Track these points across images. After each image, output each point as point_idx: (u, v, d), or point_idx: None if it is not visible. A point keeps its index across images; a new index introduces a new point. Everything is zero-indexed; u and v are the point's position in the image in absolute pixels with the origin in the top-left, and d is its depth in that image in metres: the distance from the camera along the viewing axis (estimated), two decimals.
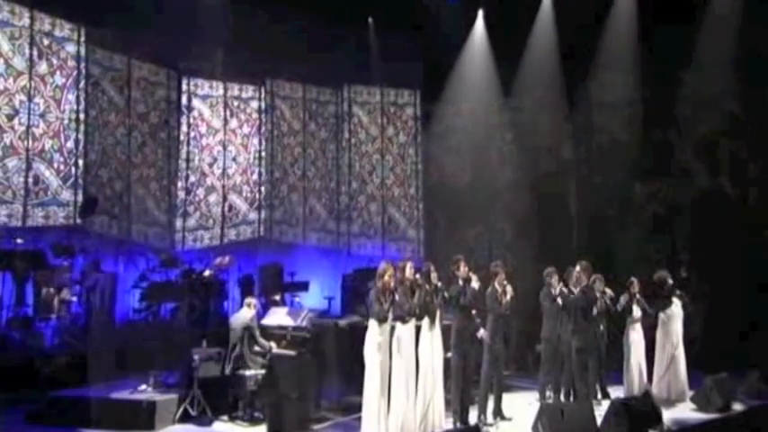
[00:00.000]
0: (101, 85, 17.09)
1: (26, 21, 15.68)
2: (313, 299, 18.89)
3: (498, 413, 11.93)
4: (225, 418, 11.66)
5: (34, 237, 15.33)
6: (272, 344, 11.82)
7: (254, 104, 19.96)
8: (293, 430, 10.82)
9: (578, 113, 18.27)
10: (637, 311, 13.26)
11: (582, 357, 12.39)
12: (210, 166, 19.15)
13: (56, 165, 16.09)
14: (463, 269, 11.34)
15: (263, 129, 20.02)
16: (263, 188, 19.93)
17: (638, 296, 13.33)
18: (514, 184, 18.34)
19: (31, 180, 15.64)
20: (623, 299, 13.09)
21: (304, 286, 18.83)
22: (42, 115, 15.89)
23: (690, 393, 13.24)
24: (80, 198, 16.29)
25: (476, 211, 18.60)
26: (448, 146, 20.01)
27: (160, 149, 18.28)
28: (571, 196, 17.55)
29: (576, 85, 18.34)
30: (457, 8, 19.75)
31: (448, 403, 11.36)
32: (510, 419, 11.92)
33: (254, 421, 11.50)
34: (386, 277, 10.40)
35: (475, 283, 11.22)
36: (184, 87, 18.80)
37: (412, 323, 10.75)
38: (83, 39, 16.60)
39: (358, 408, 10.69)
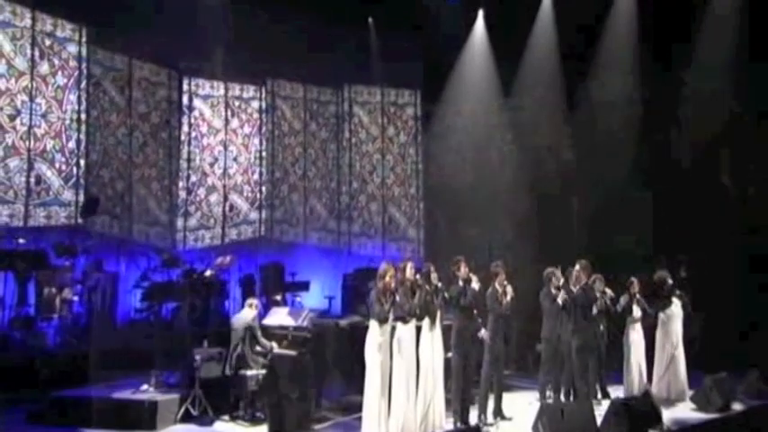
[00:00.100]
0: (102, 86, 17.16)
1: (28, 21, 15.74)
2: (314, 298, 18.94)
3: (498, 413, 11.95)
4: (226, 417, 11.67)
5: (36, 237, 15.35)
6: (274, 344, 11.84)
7: (255, 104, 20.01)
8: (294, 430, 10.84)
9: (578, 113, 18.27)
10: (637, 311, 13.27)
11: (582, 356, 12.40)
12: (211, 165, 19.20)
13: (57, 165, 16.15)
14: (463, 269, 11.37)
15: (263, 129, 20.07)
16: (263, 188, 19.98)
17: (638, 296, 13.34)
18: (514, 184, 18.34)
19: (32, 180, 15.70)
20: (623, 299, 13.10)
21: (305, 286, 18.86)
22: (44, 115, 15.94)
23: (690, 393, 13.26)
24: (82, 198, 16.35)
25: (476, 210, 18.60)
26: (448, 146, 20.02)
27: (161, 149, 18.34)
28: (571, 196, 17.55)
29: (576, 85, 18.35)
30: (457, 8, 19.77)
31: (448, 403, 11.39)
32: (510, 419, 11.95)
33: (255, 421, 11.51)
34: (386, 278, 10.43)
35: (475, 284, 11.24)
36: (185, 87, 18.88)
37: (412, 323, 10.77)
38: (84, 39, 16.68)
39: (358, 407, 10.72)
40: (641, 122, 17.71)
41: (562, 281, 12.59)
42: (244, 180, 19.71)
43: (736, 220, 16.42)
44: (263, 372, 11.47)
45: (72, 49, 16.51)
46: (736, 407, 12.93)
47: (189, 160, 18.83)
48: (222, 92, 19.45)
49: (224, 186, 19.35)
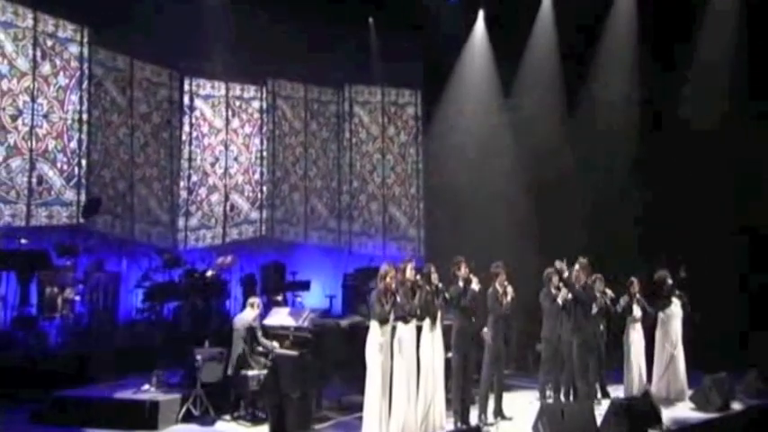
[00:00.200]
0: (104, 86, 17.22)
1: (30, 22, 15.81)
2: (314, 297, 18.99)
3: (499, 413, 11.98)
4: (227, 417, 11.70)
5: (38, 236, 15.38)
6: (275, 344, 11.87)
7: (256, 104, 20.08)
8: (295, 430, 10.88)
9: (578, 113, 18.26)
10: (637, 311, 13.28)
11: (583, 356, 12.40)
12: (212, 165, 19.27)
13: (59, 165, 16.22)
14: (464, 270, 11.40)
15: (264, 128, 20.14)
16: (264, 187, 20.06)
17: (638, 296, 13.37)
18: (515, 183, 18.33)
19: (34, 180, 15.79)
20: (623, 300, 13.12)
21: (305, 285, 18.89)
22: (46, 116, 16.01)
23: (689, 393, 13.28)
24: (83, 198, 16.43)
25: (476, 210, 18.59)
26: (448, 145, 20.03)
27: (162, 149, 18.41)
28: (571, 196, 17.54)
29: (576, 85, 18.34)
30: (457, 8, 19.82)
31: (449, 403, 11.42)
32: (510, 419, 11.98)
33: (256, 421, 11.54)
34: (387, 279, 10.45)
35: (475, 285, 11.28)
36: (186, 87, 18.96)
37: (413, 324, 10.80)
38: (86, 40, 16.76)
39: (359, 407, 10.74)
40: (641, 122, 17.71)
41: (566, 273, 12.56)
42: (245, 180, 19.77)
43: (736, 219, 16.41)
44: (265, 372, 11.49)
45: (73, 49, 16.58)
46: (736, 406, 12.96)
47: (190, 160, 18.90)
48: (223, 92, 19.51)
49: (225, 186, 19.42)
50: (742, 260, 16.11)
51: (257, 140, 20.06)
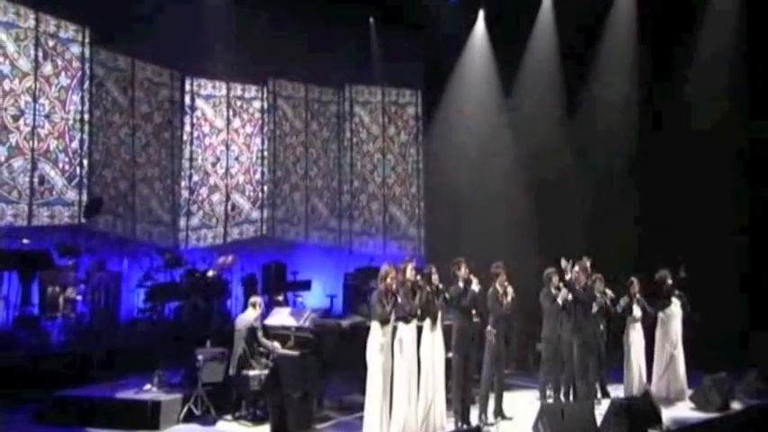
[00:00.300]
0: (105, 86, 17.26)
1: (31, 22, 15.85)
2: (315, 297, 19.05)
3: (499, 413, 12.00)
4: (229, 417, 11.71)
5: (39, 236, 15.41)
6: (276, 344, 11.89)
7: (257, 104, 20.11)
8: (296, 429, 10.93)
9: (578, 113, 18.28)
10: (637, 311, 13.29)
11: (583, 355, 12.43)
12: (213, 165, 19.32)
13: (61, 165, 16.26)
14: (464, 270, 11.42)
15: (265, 128, 20.19)
16: (265, 187, 20.10)
17: (638, 296, 13.38)
18: (515, 183, 18.36)
19: (36, 180, 15.83)
20: (623, 301, 13.14)
21: (306, 285, 18.94)
22: (47, 116, 16.05)
23: (689, 392, 13.28)
24: (85, 198, 16.47)
25: (476, 210, 18.61)
26: (449, 145, 20.06)
27: (164, 149, 18.45)
28: (571, 196, 17.56)
29: (576, 85, 18.36)
30: (457, 8, 19.84)
31: (449, 403, 11.45)
32: (511, 419, 12.00)
33: (257, 421, 11.56)
34: (388, 280, 10.48)
35: (475, 286, 11.30)
36: (188, 88, 18.99)
37: (414, 324, 10.83)
38: (87, 40, 16.78)
39: (360, 407, 10.78)
40: (641, 122, 17.73)
41: (569, 275, 12.57)
42: (245, 179, 19.82)
43: (735, 219, 16.43)
44: (266, 372, 11.52)
45: (75, 49, 16.62)
46: (735, 406, 12.98)
47: (191, 160, 18.95)
48: (224, 92, 19.55)
49: (226, 186, 19.46)
50: (742, 260, 16.12)
51: (258, 140, 20.10)
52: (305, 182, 20.84)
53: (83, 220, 16.33)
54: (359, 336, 11.29)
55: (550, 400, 12.49)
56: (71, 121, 16.44)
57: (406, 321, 10.70)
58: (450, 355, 11.42)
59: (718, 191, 16.21)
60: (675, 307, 13.67)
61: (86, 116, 16.70)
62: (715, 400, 12.64)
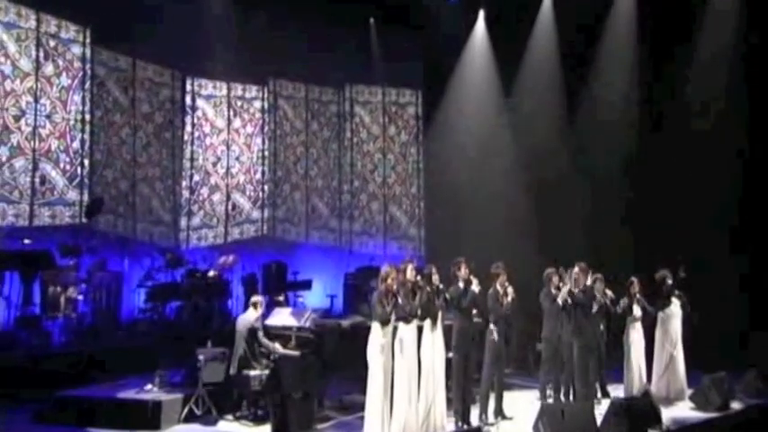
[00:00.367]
0: (106, 86, 17.30)
1: (32, 23, 15.89)
2: (316, 297, 19.08)
3: (500, 412, 12.02)
4: (230, 417, 11.73)
5: (41, 236, 15.45)
6: (277, 344, 11.90)
7: (258, 104, 20.15)
8: (297, 429, 10.95)
9: (578, 113, 18.31)
10: (637, 310, 13.30)
11: (584, 356, 12.45)
12: (214, 165, 19.36)
13: (62, 165, 16.30)
14: (464, 271, 11.43)
15: (266, 128, 20.23)
16: (266, 187, 20.14)
17: (638, 296, 13.40)
18: (514, 183, 18.37)
19: (37, 180, 15.88)
20: (623, 302, 13.15)
21: (307, 285, 18.96)
22: (49, 116, 16.09)
23: (689, 392, 13.30)
24: (86, 198, 16.49)
25: (476, 210, 18.63)
26: (449, 145, 20.07)
27: (165, 149, 18.49)
28: (571, 196, 17.57)
29: (576, 85, 18.38)
30: (457, 8, 19.87)
31: (450, 403, 11.47)
32: (511, 419, 12.02)
33: (258, 421, 11.58)
34: (388, 281, 10.51)
35: (475, 287, 11.33)
36: (188, 88, 19.04)
37: (414, 324, 10.85)
38: (88, 40, 16.80)
39: (361, 407, 10.81)
40: (641, 122, 17.74)
41: (566, 287, 12.62)
42: (246, 179, 19.86)
43: (735, 219, 16.45)
44: (267, 372, 11.54)
45: (76, 50, 16.65)
46: (735, 406, 12.98)
47: (192, 160, 19.00)
48: (225, 92, 19.60)
49: (227, 185, 19.50)
50: (742, 260, 16.13)
51: (259, 140, 20.14)
52: (305, 182, 20.88)
53: (84, 220, 16.35)
54: (359, 336, 11.31)
55: (551, 400, 12.52)
56: (72, 122, 16.47)
57: (407, 322, 10.72)
58: (451, 355, 11.44)
59: (718, 191, 16.22)
60: (675, 307, 13.68)
61: (87, 116, 16.74)
62: (715, 399, 12.66)
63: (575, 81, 18.40)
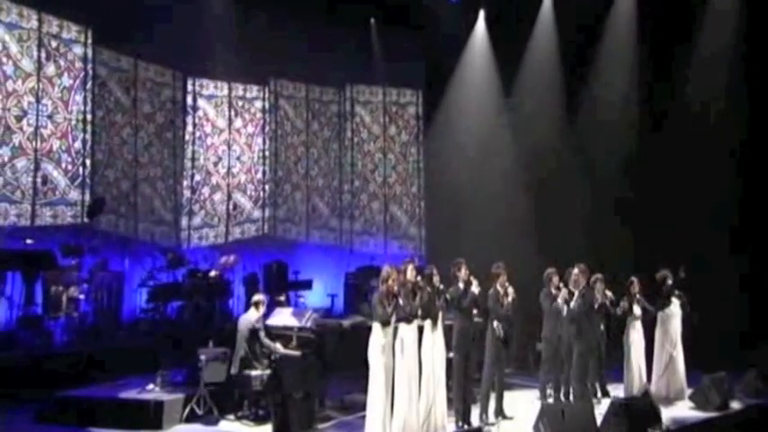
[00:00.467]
0: (107, 86, 17.32)
1: (34, 23, 15.89)
2: (316, 296, 19.10)
3: (500, 412, 12.04)
4: (231, 417, 11.76)
5: (43, 236, 15.46)
6: (278, 345, 11.92)
7: (259, 104, 20.17)
8: (298, 429, 10.98)
9: (578, 113, 18.34)
10: (637, 310, 13.32)
11: (583, 360, 12.50)
12: (215, 165, 19.39)
13: (64, 165, 16.31)
14: (464, 271, 11.47)
15: (267, 128, 20.25)
16: (267, 186, 20.16)
17: (638, 296, 13.42)
18: (514, 183, 18.42)
19: (39, 180, 15.89)
20: (623, 304, 13.16)
21: (308, 285, 18.98)
22: (50, 116, 16.10)
23: (688, 392, 13.33)
24: (88, 198, 16.51)
25: (476, 209, 18.67)
26: (449, 145, 20.12)
27: (166, 149, 18.51)
28: (571, 196, 17.60)
29: (576, 85, 18.42)
30: (457, 8, 19.92)
31: (450, 403, 11.50)
32: (511, 419, 12.04)
33: (259, 420, 11.60)
34: (389, 281, 10.54)
35: (475, 288, 11.36)
36: (190, 88, 19.05)
37: (415, 324, 10.87)
38: (90, 41, 16.80)
39: (362, 407, 10.85)
40: (641, 122, 17.77)
41: (565, 292, 12.66)
42: (247, 179, 19.89)
43: (735, 219, 16.46)
44: (268, 372, 11.57)
45: (78, 50, 16.66)
46: (735, 406, 13.02)
47: (193, 160, 19.03)
48: (226, 92, 19.62)
49: (228, 185, 19.53)
50: (742, 260, 16.16)
51: (260, 140, 20.17)
52: (306, 181, 20.91)
53: (86, 220, 16.37)
54: (360, 335, 11.33)
55: (551, 400, 12.55)
56: (74, 122, 16.49)
57: (408, 322, 10.74)
58: (451, 355, 11.47)
59: (718, 191, 16.24)
60: (675, 307, 13.69)
61: (89, 116, 16.75)
62: (714, 399, 12.68)
63: (575, 81, 18.46)
